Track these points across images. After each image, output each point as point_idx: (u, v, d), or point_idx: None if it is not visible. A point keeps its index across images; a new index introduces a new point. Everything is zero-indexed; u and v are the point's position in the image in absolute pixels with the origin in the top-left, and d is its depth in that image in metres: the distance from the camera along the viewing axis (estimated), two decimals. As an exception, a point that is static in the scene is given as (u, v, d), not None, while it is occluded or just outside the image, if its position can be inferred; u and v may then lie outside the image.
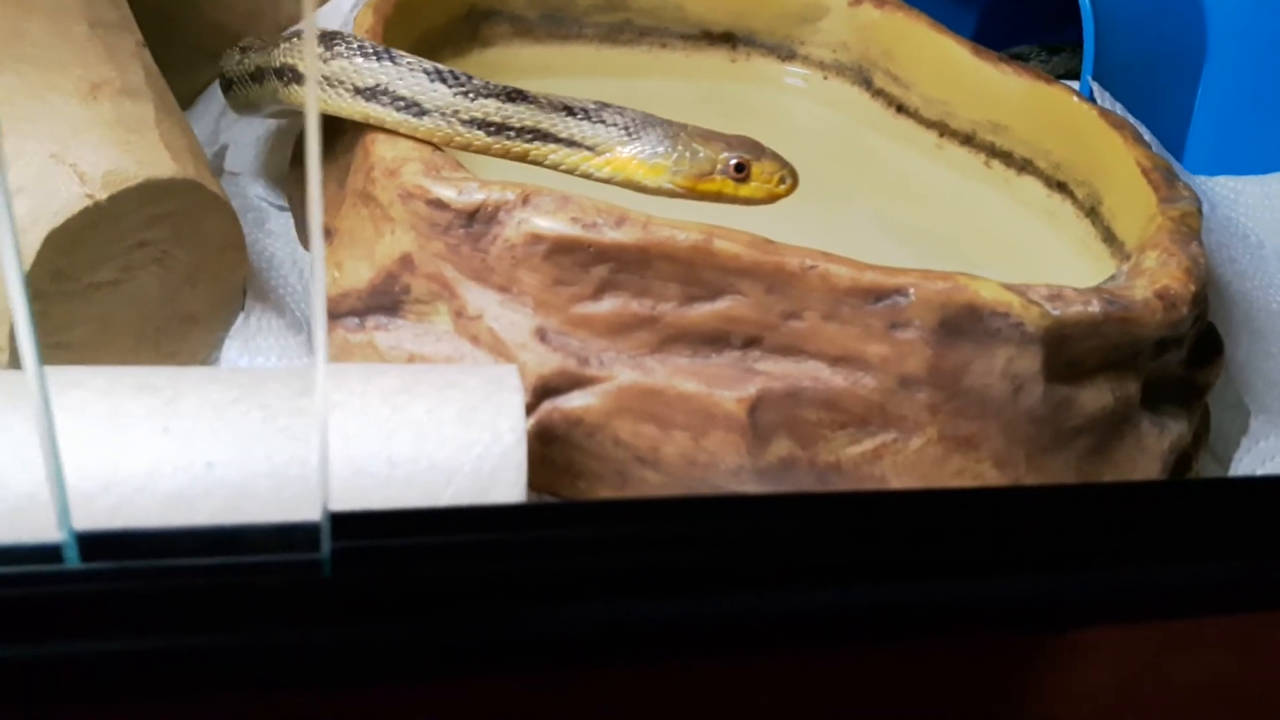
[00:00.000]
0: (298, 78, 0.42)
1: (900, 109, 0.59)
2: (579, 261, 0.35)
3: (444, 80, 0.38)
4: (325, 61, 0.39)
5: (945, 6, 0.76)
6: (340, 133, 0.44)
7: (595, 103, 0.40)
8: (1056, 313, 0.33)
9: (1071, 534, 0.26)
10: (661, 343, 0.36)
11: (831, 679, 0.26)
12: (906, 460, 0.35)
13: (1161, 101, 0.61)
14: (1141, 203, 0.43)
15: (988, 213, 0.57)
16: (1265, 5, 0.60)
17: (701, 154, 0.38)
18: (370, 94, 0.38)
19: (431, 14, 0.56)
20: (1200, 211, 0.40)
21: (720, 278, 0.35)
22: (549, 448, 0.37)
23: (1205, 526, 0.28)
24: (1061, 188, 0.51)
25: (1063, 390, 0.35)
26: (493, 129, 0.38)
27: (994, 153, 0.55)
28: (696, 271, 0.35)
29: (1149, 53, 0.61)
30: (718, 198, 0.39)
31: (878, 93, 0.61)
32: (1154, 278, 0.36)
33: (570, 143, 0.39)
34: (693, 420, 0.35)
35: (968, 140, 0.56)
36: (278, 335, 0.44)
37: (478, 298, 0.37)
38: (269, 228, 0.52)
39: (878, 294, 0.34)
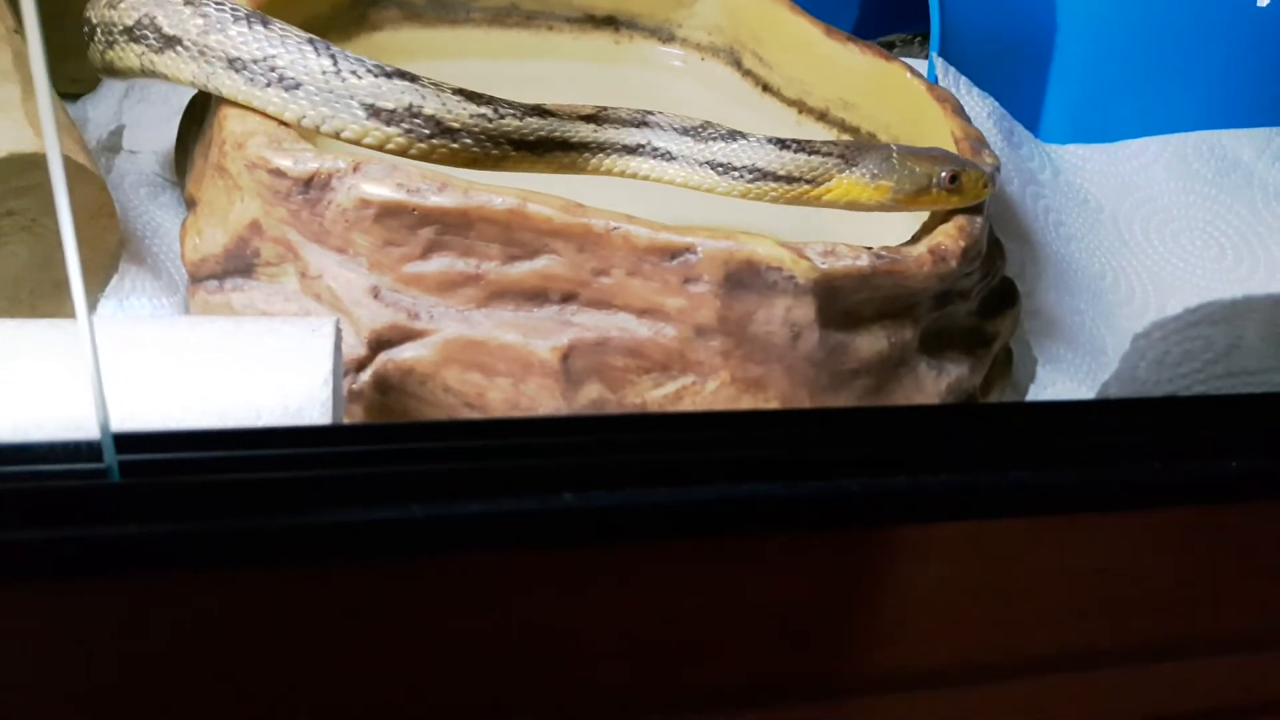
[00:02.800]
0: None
1: (765, 88, 0.63)
2: (406, 224, 0.39)
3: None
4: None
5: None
6: (212, 111, 0.47)
7: (798, 139, 0.42)
8: (825, 266, 0.37)
9: (868, 446, 0.30)
10: (487, 298, 0.40)
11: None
12: (704, 401, 0.39)
13: (1016, 75, 0.65)
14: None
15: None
16: (1111, -11, 0.64)
17: (918, 171, 0.41)
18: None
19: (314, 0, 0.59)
20: (994, 178, 0.44)
21: (536, 239, 0.39)
22: (386, 396, 0.41)
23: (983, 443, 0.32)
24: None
25: (839, 336, 0.38)
26: (720, 169, 0.41)
27: (844, 128, 0.58)
28: (514, 233, 0.39)
29: (1003, 29, 0.65)
30: (931, 206, 0.42)
31: (747, 73, 0.64)
32: (932, 235, 0.40)
33: (790, 179, 0.42)
34: (513, 368, 0.39)
35: (822, 116, 0.60)
36: (151, 295, 0.47)
37: (318, 259, 0.40)
38: (161, 200, 0.56)
39: (672, 252, 0.38)
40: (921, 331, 0.40)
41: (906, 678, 0.31)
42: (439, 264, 0.39)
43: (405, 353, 0.39)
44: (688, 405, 0.39)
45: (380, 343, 0.40)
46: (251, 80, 0.40)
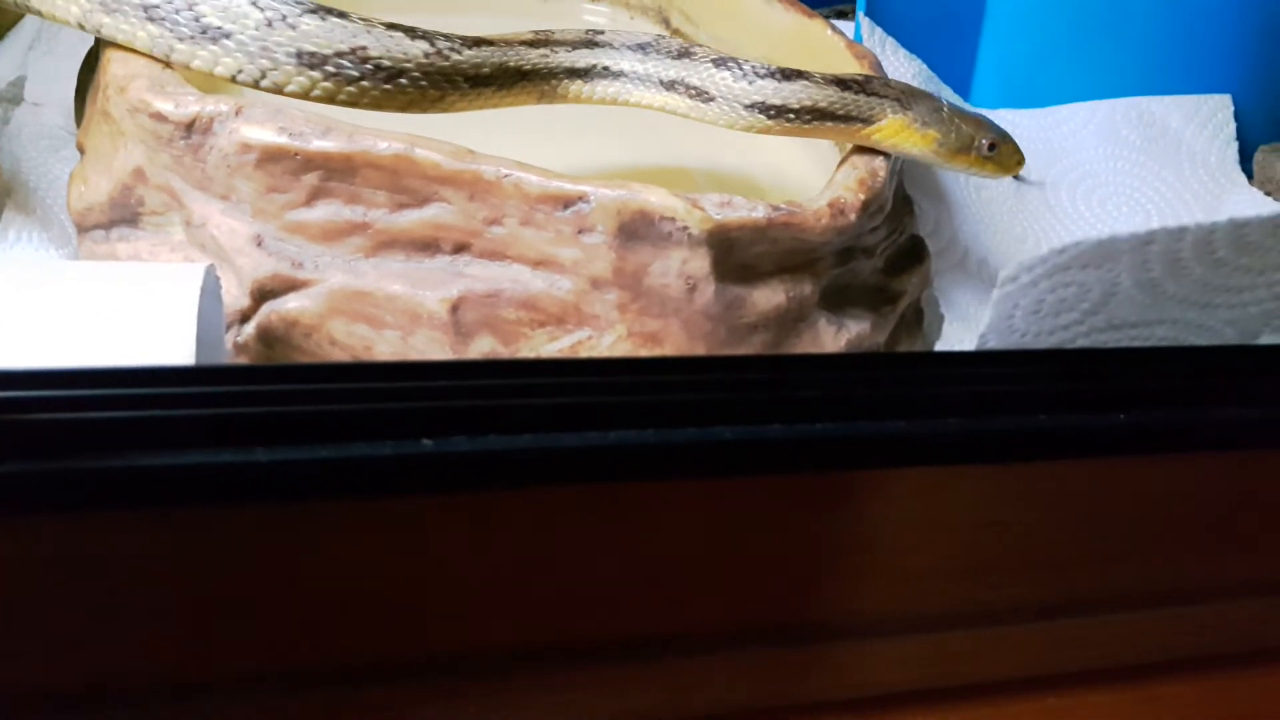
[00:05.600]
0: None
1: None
2: (289, 170, 0.37)
3: (725, 66, 0.41)
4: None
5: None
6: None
7: (859, 76, 0.42)
8: (720, 217, 0.36)
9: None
10: (375, 248, 0.38)
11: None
12: (601, 355, 0.38)
13: (946, 39, 0.64)
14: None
15: (770, 142, 0.60)
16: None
17: (964, 130, 0.41)
18: (669, 86, 0.42)
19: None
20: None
21: (425, 186, 0.37)
22: (272, 349, 0.39)
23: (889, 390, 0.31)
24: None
25: (736, 290, 0.38)
26: (772, 111, 0.41)
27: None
28: (402, 180, 0.37)
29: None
30: (965, 168, 0.43)
31: (675, 31, 0.63)
32: (833, 189, 0.39)
33: (847, 117, 0.41)
34: (401, 320, 0.38)
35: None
36: (39, 246, 0.45)
37: (202, 206, 0.39)
38: (62, 154, 0.54)
39: (565, 201, 0.37)
40: (823, 287, 0.40)
41: (759, 633, 0.30)
42: (324, 211, 0.38)
43: (289, 304, 0.38)
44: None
45: (264, 293, 0.38)
46: (171, 28, 0.38)
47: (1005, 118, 0.64)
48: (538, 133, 0.49)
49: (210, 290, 0.36)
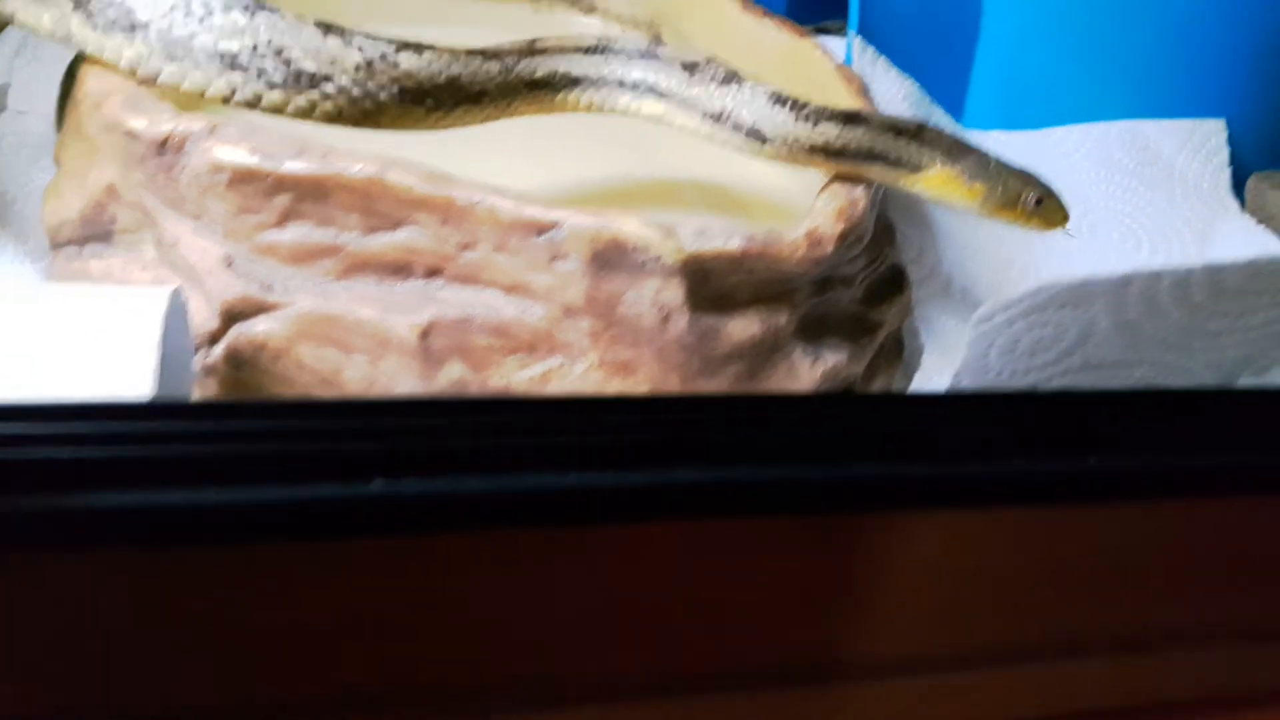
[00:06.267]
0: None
1: (685, 63, 0.61)
2: (261, 191, 0.37)
3: (784, 105, 0.40)
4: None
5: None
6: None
7: (914, 122, 0.42)
8: (694, 248, 0.36)
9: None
10: (346, 270, 0.38)
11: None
12: (572, 384, 0.38)
13: (939, 58, 0.64)
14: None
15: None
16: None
17: (1012, 186, 0.42)
18: (716, 118, 0.41)
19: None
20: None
21: (398, 210, 0.37)
22: (240, 371, 0.39)
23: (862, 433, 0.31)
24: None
25: (710, 320, 0.37)
26: (833, 154, 0.41)
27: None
28: (374, 203, 0.37)
29: (927, 11, 0.63)
30: (1010, 222, 0.43)
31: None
32: (812, 219, 0.39)
33: (897, 163, 0.41)
34: (370, 345, 0.37)
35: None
36: (14, 260, 0.45)
37: (174, 225, 0.39)
38: (43, 164, 0.53)
39: (539, 228, 0.36)
40: (800, 317, 0.39)
41: (707, 680, 0.30)
42: (295, 233, 0.37)
43: (258, 326, 0.38)
44: (555, 388, 0.38)
45: (233, 315, 0.38)
46: (92, 21, 0.38)
47: (998, 139, 0.63)
48: (520, 141, 0.48)
49: (176, 313, 0.35)
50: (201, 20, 0.37)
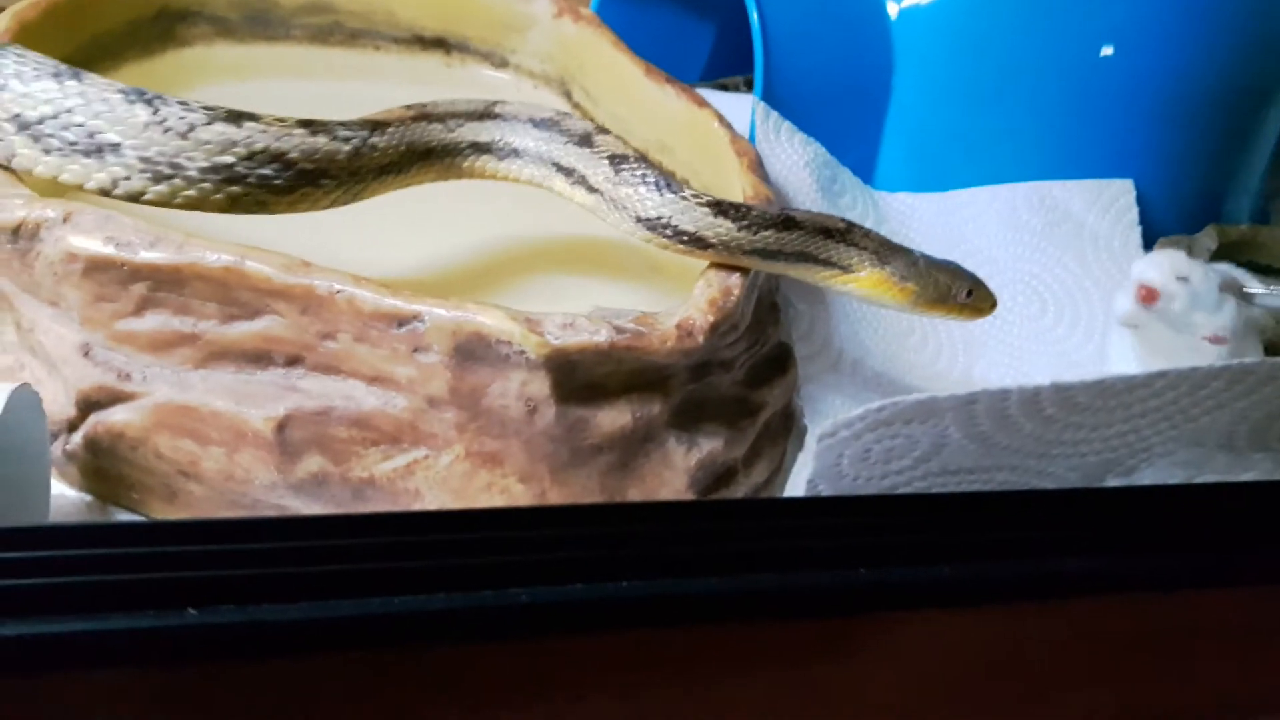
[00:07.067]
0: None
1: (592, 122, 0.61)
2: (117, 279, 0.36)
3: (726, 214, 0.41)
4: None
5: (683, 34, 0.79)
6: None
7: (843, 221, 0.43)
8: (559, 342, 0.35)
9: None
10: (205, 359, 0.37)
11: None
12: (438, 476, 0.37)
13: (846, 121, 0.64)
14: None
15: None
16: (946, 39, 0.63)
17: (941, 282, 0.43)
18: (651, 224, 0.41)
19: (104, 17, 0.55)
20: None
21: (256, 298, 0.36)
22: (99, 459, 0.38)
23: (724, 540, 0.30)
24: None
25: (579, 411, 0.36)
26: (769, 255, 0.41)
27: (662, 172, 0.57)
28: (232, 292, 0.36)
29: (833, 74, 0.63)
30: (942, 316, 0.44)
31: (576, 105, 0.62)
32: (685, 309, 0.38)
33: (829, 263, 0.42)
34: (226, 437, 0.36)
35: (642, 159, 0.58)
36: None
37: (33, 311, 0.38)
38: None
39: (399, 319, 0.35)
40: (675, 404, 0.39)
41: None
42: (153, 321, 0.36)
43: (115, 415, 0.37)
44: (420, 479, 0.37)
45: (90, 403, 0.37)
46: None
47: (906, 201, 0.63)
48: (428, 194, 0.47)
49: (23, 408, 0.34)
50: (69, 107, 0.36)
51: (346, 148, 0.40)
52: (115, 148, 0.36)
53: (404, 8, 0.63)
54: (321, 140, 0.39)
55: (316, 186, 0.39)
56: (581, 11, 0.62)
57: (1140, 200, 0.65)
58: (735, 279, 0.40)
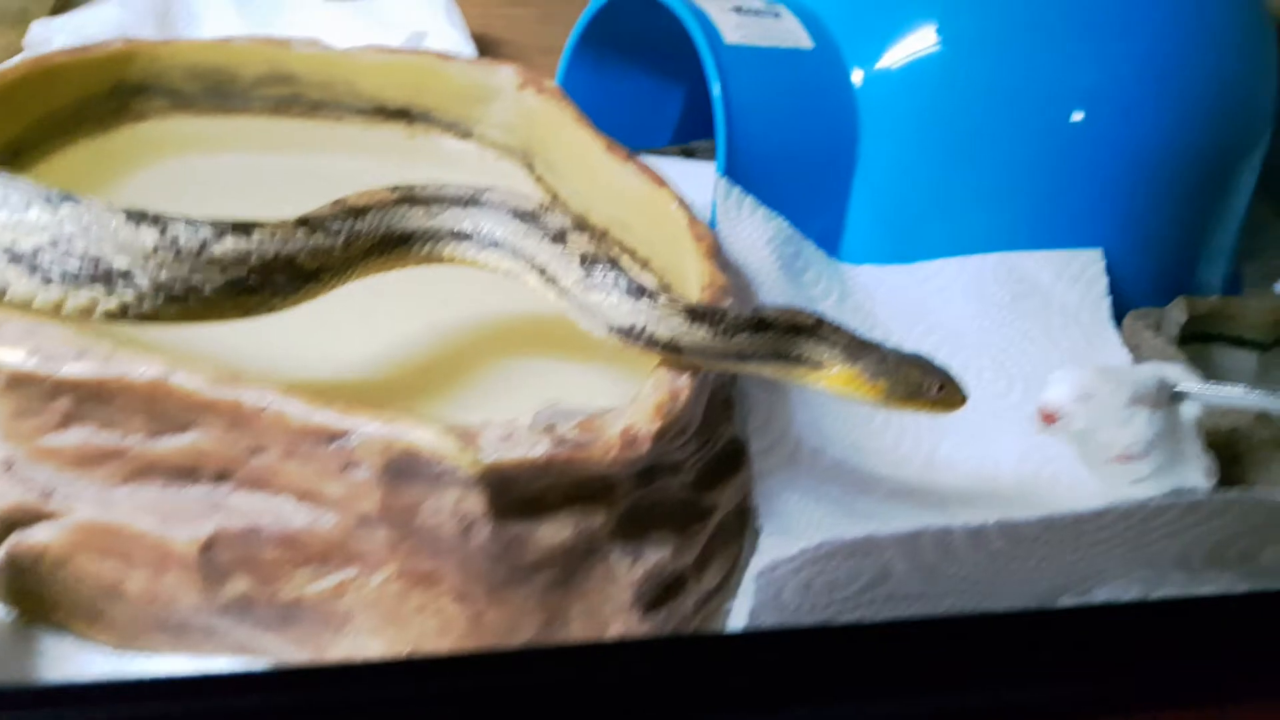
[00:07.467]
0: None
1: (555, 198, 0.60)
2: (40, 394, 0.35)
3: (701, 321, 0.40)
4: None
5: (652, 96, 0.78)
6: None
7: (812, 317, 0.42)
8: (494, 458, 0.34)
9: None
10: (131, 474, 0.36)
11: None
12: (369, 596, 0.36)
13: (810, 194, 0.63)
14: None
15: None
16: (912, 107, 0.62)
17: (913, 379, 0.42)
18: (625, 333, 0.40)
19: (56, 95, 0.55)
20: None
21: (183, 413, 0.35)
22: (22, 579, 0.37)
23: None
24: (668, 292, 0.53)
25: (517, 528, 0.35)
26: (744, 358, 0.41)
27: (623, 250, 0.56)
28: (159, 406, 0.35)
29: (797, 147, 0.62)
30: (913, 411, 0.43)
31: (539, 178, 0.61)
32: (629, 415, 0.37)
33: (799, 360, 0.42)
34: (149, 558, 0.35)
35: (603, 236, 0.57)
36: None
37: (-47, 424, 0.37)
38: None
39: (329, 435, 0.34)
40: (621, 513, 0.37)
41: None
42: (78, 436, 0.35)
43: (36, 535, 0.36)
44: (350, 601, 0.36)
45: (10, 522, 0.36)
46: None
47: (872, 274, 0.62)
48: (385, 283, 0.46)
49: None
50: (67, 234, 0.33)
51: (340, 241, 0.39)
52: (126, 275, 0.34)
53: (366, 79, 0.63)
54: (319, 238, 0.38)
55: (319, 282, 0.39)
56: (545, 84, 0.61)
57: (1110, 269, 0.64)
58: (684, 380, 0.39)
